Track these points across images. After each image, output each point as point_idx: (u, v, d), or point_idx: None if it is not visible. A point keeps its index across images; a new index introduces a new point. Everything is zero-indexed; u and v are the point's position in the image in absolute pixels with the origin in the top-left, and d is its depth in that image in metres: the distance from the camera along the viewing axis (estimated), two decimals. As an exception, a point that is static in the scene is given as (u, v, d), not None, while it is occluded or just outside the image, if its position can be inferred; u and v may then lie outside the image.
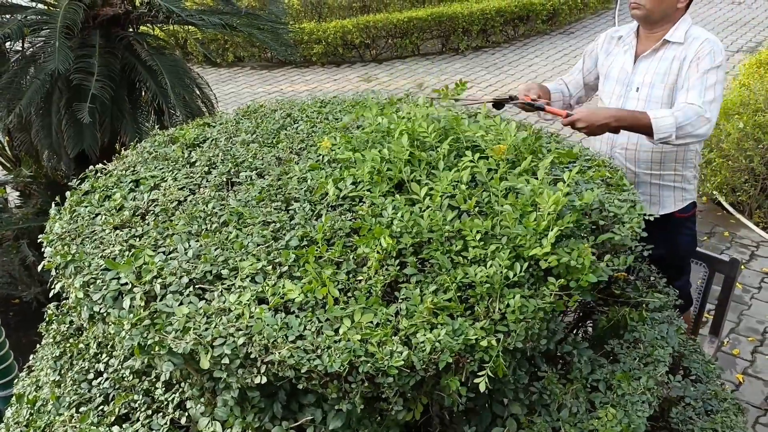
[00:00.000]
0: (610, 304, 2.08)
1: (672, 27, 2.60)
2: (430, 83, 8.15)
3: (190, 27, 6.71)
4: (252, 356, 1.40)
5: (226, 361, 1.41)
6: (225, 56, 9.55)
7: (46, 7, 3.87)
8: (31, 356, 2.30)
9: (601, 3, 10.98)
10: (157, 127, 4.06)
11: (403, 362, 1.36)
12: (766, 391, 3.47)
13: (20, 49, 3.76)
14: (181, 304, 1.52)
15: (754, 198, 4.92)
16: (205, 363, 1.41)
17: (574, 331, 2.18)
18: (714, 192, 5.18)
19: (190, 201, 1.89)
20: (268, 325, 1.43)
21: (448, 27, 9.27)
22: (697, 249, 3.11)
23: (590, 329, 2.19)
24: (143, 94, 4.09)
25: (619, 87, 2.73)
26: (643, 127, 2.45)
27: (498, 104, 2.65)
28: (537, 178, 1.75)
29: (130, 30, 3.96)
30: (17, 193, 4.56)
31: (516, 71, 8.47)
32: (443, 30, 9.35)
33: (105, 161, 2.23)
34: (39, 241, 1.86)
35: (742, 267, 4.46)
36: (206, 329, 1.44)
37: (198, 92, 4.27)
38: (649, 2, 2.54)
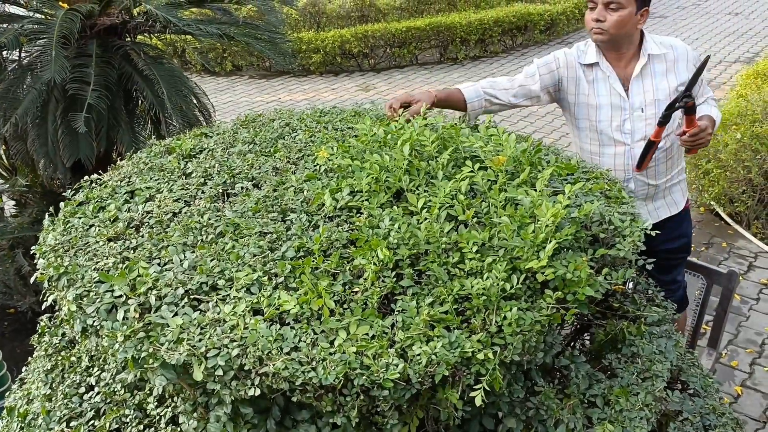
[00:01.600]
0: (608, 318, 2.06)
1: (641, 42, 2.64)
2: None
3: (188, 37, 6.72)
4: (246, 368, 1.38)
5: (219, 372, 1.39)
6: (223, 65, 9.56)
7: (43, 17, 3.86)
8: (24, 368, 2.27)
9: (599, 14, 11.03)
10: (153, 136, 4.05)
11: (398, 375, 1.34)
12: (765, 404, 3.45)
13: (17, 58, 3.76)
14: (175, 315, 1.50)
15: (752, 209, 4.92)
16: (198, 374, 1.39)
17: (572, 345, 2.16)
18: (712, 202, 5.18)
19: (186, 212, 1.87)
20: (262, 336, 1.42)
21: (447, 37, 9.30)
22: (696, 261, 3.12)
23: (588, 343, 2.17)
24: (140, 103, 4.08)
25: (617, 113, 2.67)
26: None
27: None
28: (536, 190, 1.74)
29: (128, 39, 3.96)
30: (13, 202, 4.55)
31: (514, 81, 8.48)
32: (441, 40, 9.38)
33: (101, 171, 2.21)
34: (33, 251, 1.84)
35: (740, 278, 4.45)
36: (200, 340, 1.42)
37: (195, 101, 4.26)
38: (612, 27, 2.52)
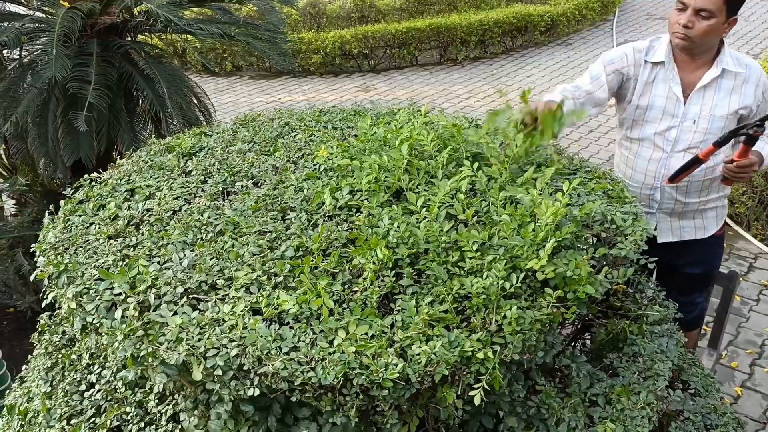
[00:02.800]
0: (610, 317, 2.06)
1: (718, 54, 2.50)
2: (427, 94, 8.15)
3: (188, 36, 6.72)
4: (245, 368, 1.38)
5: (218, 372, 1.38)
6: (223, 66, 9.55)
7: (43, 15, 3.86)
8: (24, 366, 2.27)
9: (599, 15, 11.02)
10: (154, 135, 4.04)
11: (398, 375, 1.34)
12: (765, 404, 3.45)
13: (17, 57, 3.75)
14: (175, 314, 1.50)
15: (753, 210, 4.91)
16: (197, 374, 1.38)
17: (573, 344, 2.16)
18: (712, 204, 5.17)
19: (186, 210, 1.87)
20: (261, 336, 1.41)
21: (447, 38, 9.29)
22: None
23: (589, 342, 2.17)
24: (140, 102, 4.08)
25: (667, 118, 2.57)
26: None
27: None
28: (537, 189, 1.74)
29: (128, 39, 3.96)
30: (13, 202, 4.55)
31: (514, 82, 8.48)
32: (441, 41, 9.37)
33: (101, 170, 2.21)
34: (33, 249, 1.84)
35: (741, 279, 4.44)
36: (199, 340, 1.42)
37: (195, 101, 4.26)
38: (698, 36, 2.39)
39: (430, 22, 9.21)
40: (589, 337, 2.17)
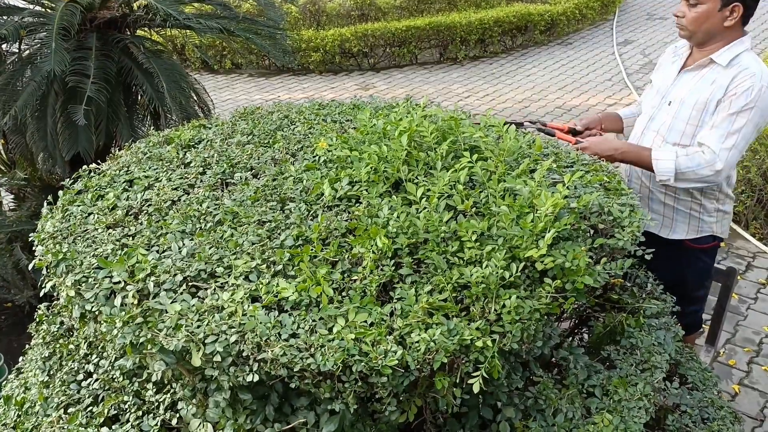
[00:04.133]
0: (607, 310, 2.06)
1: (723, 47, 2.43)
2: (427, 92, 8.16)
3: (188, 32, 6.73)
4: (244, 354, 1.38)
5: (218, 358, 1.39)
6: (223, 63, 9.54)
7: (42, 9, 3.86)
8: (21, 357, 2.27)
9: (600, 14, 11.03)
10: (153, 130, 4.04)
11: (397, 362, 1.34)
12: (762, 402, 3.45)
13: (17, 50, 3.75)
14: (174, 301, 1.50)
15: (751, 209, 4.92)
16: (196, 360, 1.38)
17: (571, 338, 2.16)
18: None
19: (185, 201, 1.87)
20: (261, 323, 1.41)
21: (446, 36, 9.29)
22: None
23: (586, 336, 2.17)
24: (139, 97, 4.08)
25: (657, 98, 2.62)
26: (645, 166, 2.46)
27: (516, 125, 2.69)
28: (535, 180, 1.74)
29: (127, 33, 3.95)
30: (11, 196, 4.54)
31: (514, 81, 8.48)
32: (441, 39, 9.37)
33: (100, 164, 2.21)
34: (31, 240, 1.83)
35: (739, 277, 4.45)
36: (198, 326, 1.42)
37: (195, 97, 4.26)
38: (689, 24, 2.42)
39: (430, 21, 9.21)
40: (586, 331, 2.18)
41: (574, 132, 2.71)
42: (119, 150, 2.32)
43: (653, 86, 2.69)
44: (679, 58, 2.60)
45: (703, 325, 3.62)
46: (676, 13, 2.48)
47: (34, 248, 1.82)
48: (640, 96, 2.96)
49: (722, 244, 4.83)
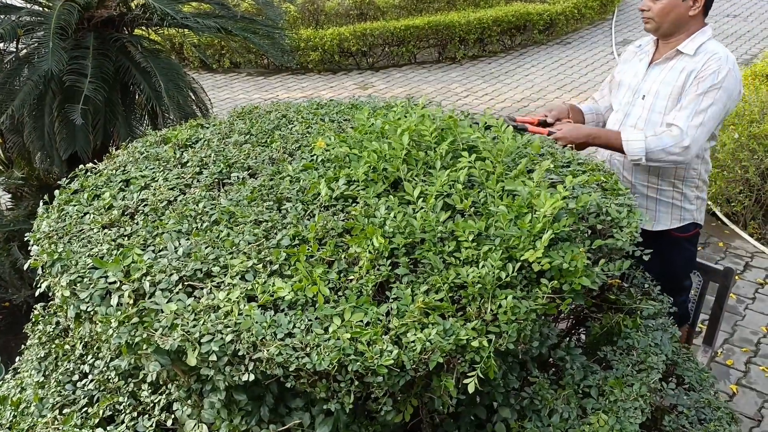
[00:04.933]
0: (604, 311, 2.06)
1: (687, 38, 2.52)
2: (426, 92, 8.15)
3: (186, 31, 6.71)
4: (240, 353, 1.38)
5: (213, 358, 1.38)
6: (221, 62, 9.54)
7: (40, 8, 3.85)
8: (18, 358, 2.26)
9: (598, 14, 11.03)
10: (150, 129, 4.03)
11: (392, 361, 1.34)
12: (760, 402, 3.45)
13: (14, 49, 3.74)
14: (170, 301, 1.50)
15: (749, 209, 4.92)
16: (192, 360, 1.38)
17: (568, 339, 2.16)
18: (709, 202, 5.18)
19: (181, 200, 1.87)
20: (256, 322, 1.41)
21: (445, 36, 9.29)
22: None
23: (584, 336, 2.17)
24: (137, 96, 4.07)
25: (629, 94, 2.68)
26: (616, 148, 2.51)
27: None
28: (534, 181, 1.74)
29: (125, 32, 3.95)
30: (9, 195, 4.53)
31: (512, 81, 8.48)
32: (440, 39, 9.36)
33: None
34: (28, 239, 1.83)
35: (737, 278, 4.45)
36: (194, 326, 1.42)
37: (193, 96, 4.25)
38: (656, 15, 2.50)
39: (429, 20, 9.20)
40: (583, 331, 2.17)
41: (545, 123, 2.74)
42: (117, 149, 2.31)
43: (622, 84, 2.74)
44: (646, 54, 2.67)
45: (701, 325, 3.62)
46: (641, 8, 2.55)
47: (29, 245, 1.81)
48: (596, 93, 3.00)
49: (720, 244, 4.83)
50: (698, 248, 4.74)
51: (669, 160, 2.45)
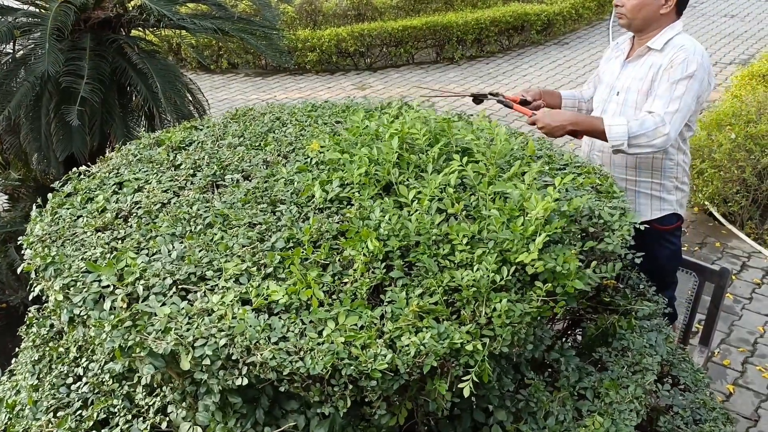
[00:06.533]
0: (599, 312, 2.06)
1: (658, 34, 2.59)
2: (423, 92, 8.15)
3: (183, 33, 6.71)
4: (233, 357, 1.37)
5: (207, 362, 1.38)
6: (219, 63, 9.53)
7: (36, 9, 3.84)
8: (13, 359, 2.26)
9: (596, 14, 11.03)
10: (147, 131, 4.02)
11: (387, 365, 1.34)
12: (756, 402, 3.45)
13: (10, 51, 3.74)
14: (163, 304, 1.49)
15: (746, 209, 4.92)
16: (185, 364, 1.38)
17: (563, 339, 2.16)
18: (705, 202, 5.18)
19: (174, 203, 1.86)
20: (250, 326, 1.41)
21: (443, 36, 9.28)
22: (688, 258, 3.10)
23: (579, 338, 2.17)
24: (134, 98, 4.07)
25: (606, 91, 2.75)
26: (599, 133, 2.53)
27: (477, 99, 2.84)
28: (525, 183, 1.74)
29: (122, 33, 3.94)
30: (5, 197, 4.53)
31: (510, 81, 8.48)
32: (438, 39, 9.36)
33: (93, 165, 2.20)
34: (20, 243, 1.83)
35: (733, 278, 4.45)
36: (188, 329, 1.41)
37: (190, 97, 4.25)
38: (629, 11, 2.57)
39: (427, 21, 9.20)
40: (579, 332, 2.17)
41: (524, 102, 2.80)
42: (113, 151, 2.31)
43: (601, 82, 2.82)
44: (622, 52, 2.74)
45: (697, 325, 3.62)
46: (615, 3, 2.61)
47: (23, 249, 1.81)
48: (585, 83, 3.09)
49: (717, 244, 4.84)
50: (696, 249, 4.76)
51: (650, 145, 2.48)
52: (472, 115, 2.47)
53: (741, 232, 4.94)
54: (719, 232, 5.02)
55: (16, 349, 2.30)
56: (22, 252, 1.81)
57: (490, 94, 2.81)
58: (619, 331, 1.92)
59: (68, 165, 3.71)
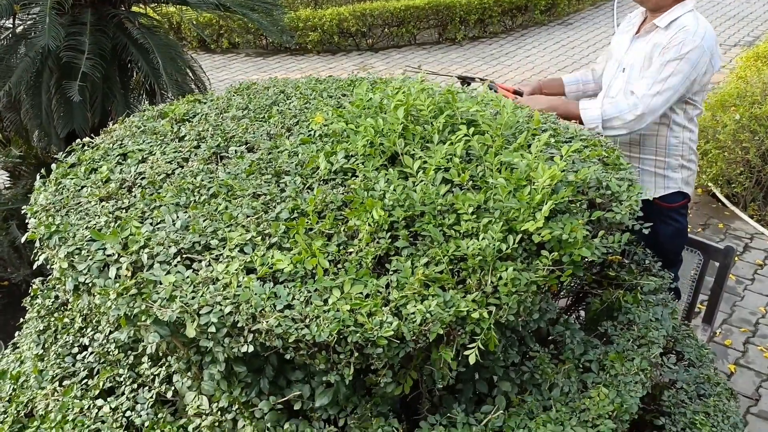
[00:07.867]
0: (605, 287, 2.06)
1: (667, 12, 2.56)
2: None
3: (184, 8, 6.64)
4: (239, 325, 1.37)
5: (212, 329, 1.38)
6: (220, 42, 9.47)
7: (37, -16, 3.80)
8: (17, 333, 2.26)
9: (599, -4, 10.96)
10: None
11: (392, 333, 1.33)
12: (758, 382, 3.47)
13: (10, 26, 3.70)
14: (168, 273, 1.49)
15: (749, 190, 4.91)
16: (191, 331, 1.37)
17: (568, 315, 2.15)
18: (709, 183, 5.17)
19: (179, 174, 1.85)
20: (255, 294, 1.40)
21: (446, 16, 9.21)
22: (692, 237, 3.09)
23: (582, 315, 2.16)
24: (135, 74, 4.03)
25: (614, 67, 2.73)
26: (575, 117, 2.54)
27: (465, 81, 2.84)
28: (532, 154, 1.72)
29: (122, 8, 3.90)
30: (7, 174, 4.51)
31: (513, 62, 8.43)
32: (440, 19, 9.29)
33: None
34: (24, 212, 1.82)
35: (736, 259, 4.45)
36: (193, 298, 1.41)
37: (191, 74, 4.21)
38: None
39: (429, 1, 9.12)
40: (583, 308, 2.17)
41: (518, 94, 2.83)
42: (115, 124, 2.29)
43: (611, 56, 2.79)
44: (633, 26, 2.71)
45: (700, 305, 3.62)
46: None
47: (27, 223, 1.80)
48: (598, 58, 3.10)
49: (720, 225, 4.83)
50: (699, 230, 4.75)
51: (624, 126, 2.49)
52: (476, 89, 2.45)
53: (744, 214, 4.93)
54: (722, 213, 5.01)
55: (20, 325, 2.30)
56: (24, 229, 1.80)
57: (480, 79, 2.85)
58: (625, 305, 1.92)
59: (69, 142, 3.68)
